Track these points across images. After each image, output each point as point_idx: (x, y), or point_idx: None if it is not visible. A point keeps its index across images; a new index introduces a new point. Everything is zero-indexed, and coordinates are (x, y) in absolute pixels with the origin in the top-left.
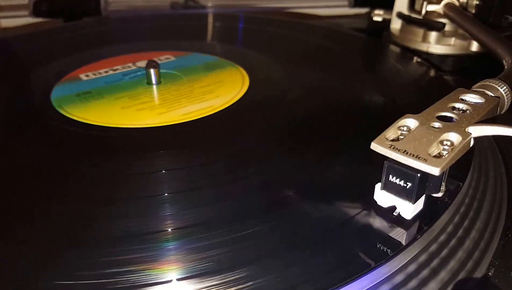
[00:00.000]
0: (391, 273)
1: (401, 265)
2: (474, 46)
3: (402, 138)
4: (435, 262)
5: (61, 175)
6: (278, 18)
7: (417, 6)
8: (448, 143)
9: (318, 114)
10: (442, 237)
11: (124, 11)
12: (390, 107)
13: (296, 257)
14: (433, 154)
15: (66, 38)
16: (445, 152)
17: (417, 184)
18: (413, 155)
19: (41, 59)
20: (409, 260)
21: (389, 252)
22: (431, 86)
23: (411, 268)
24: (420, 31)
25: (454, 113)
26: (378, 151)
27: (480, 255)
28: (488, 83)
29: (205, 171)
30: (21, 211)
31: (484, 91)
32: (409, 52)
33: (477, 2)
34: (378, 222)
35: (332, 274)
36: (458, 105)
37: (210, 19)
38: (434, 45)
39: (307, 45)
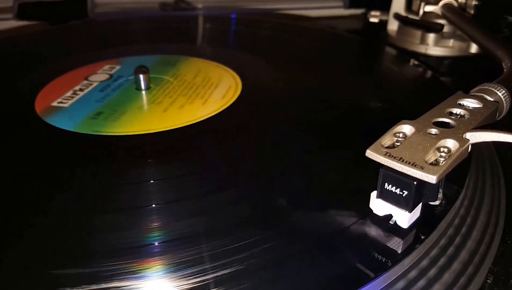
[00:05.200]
0: (389, 283)
1: (399, 274)
2: (473, 48)
3: (398, 145)
4: (433, 269)
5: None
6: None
7: (414, 7)
8: (445, 150)
9: (313, 119)
10: (441, 243)
11: (111, 13)
12: (387, 111)
13: (289, 269)
14: (430, 162)
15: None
16: (442, 160)
17: (413, 192)
18: (409, 163)
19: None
20: (407, 268)
21: (386, 262)
22: (429, 89)
23: (410, 275)
24: (418, 33)
25: (451, 118)
26: (373, 159)
27: (479, 262)
28: (486, 87)
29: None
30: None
31: (483, 96)
32: (406, 54)
33: (476, 3)
34: (374, 231)
35: (327, 287)
36: (456, 110)
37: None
38: (432, 47)
39: (293, 45)
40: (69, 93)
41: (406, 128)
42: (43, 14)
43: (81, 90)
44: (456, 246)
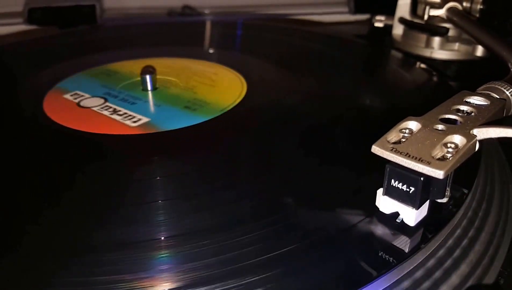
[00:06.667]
0: (395, 281)
1: (405, 273)
2: (479, 51)
3: (404, 141)
4: (441, 270)
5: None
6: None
7: (419, 11)
8: (452, 145)
9: (320, 120)
10: (448, 244)
11: (120, 18)
12: (394, 113)
13: (294, 267)
14: (437, 157)
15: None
16: (449, 155)
17: (420, 189)
18: (416, 158)
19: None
20: (413, 267)
21: (392, 261)
22: (435, 91)
23: (417, 275)
24: (423, 36)
25: (458, 115)
26: (379, 155)
27: (488, 263)
28: (493, 85)
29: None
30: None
31: (490, 94)
32: (412, 58)
33: (481, 7)
34: (380, 230)
35: (333, 285)
36: (463, 107)
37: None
38: (438, 50)
39: (303, 50)
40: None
41: (412, 124)
42: (53, 19)
43: None
44: (464, 247)
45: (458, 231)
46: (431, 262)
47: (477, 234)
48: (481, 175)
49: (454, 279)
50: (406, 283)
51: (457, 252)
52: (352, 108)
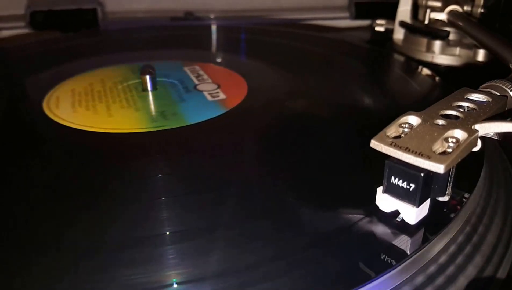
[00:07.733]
0: (397, 284)
1: (407, 277)
2: (480, 56)
3: (404, 136)
4: (442, 278)
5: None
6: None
7: (420, 16)
8: (454, 140)
9: (319, 120)
10: (450, 250)
11: (122, 22)
12: (393, 115)
13: (291, 267)
14: (438, 152)
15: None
16: (450, 150)
17: (420, 185)
18: (416, 153)
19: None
20: (416, 271)
21: (392, 262)
22: (436, 95)
23: (419, 280)
24: (424, 41)
25: (459, 111)
26: (378, 149)
27: (493, 271)
28: (495, 83)
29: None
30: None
31: (491, 91)
32: (413, 62)
33: (482, 10)
34: (380, 229)
35: (332, 285)
36: (464, 104)
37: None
38: (439, 55)
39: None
40: None
41: (412, 119)
42: (54, 23)
43: None
44: (468, 252)
45: (461, 234)
46: (433, 264)
47: (481, 239)
48: (486, 175)
49: (461, 281)
50: (406, 287)
51: (460, 256)
52: (352, 109)
